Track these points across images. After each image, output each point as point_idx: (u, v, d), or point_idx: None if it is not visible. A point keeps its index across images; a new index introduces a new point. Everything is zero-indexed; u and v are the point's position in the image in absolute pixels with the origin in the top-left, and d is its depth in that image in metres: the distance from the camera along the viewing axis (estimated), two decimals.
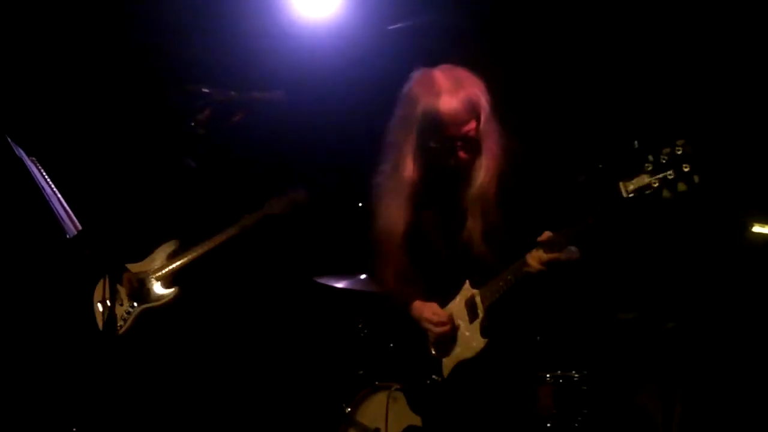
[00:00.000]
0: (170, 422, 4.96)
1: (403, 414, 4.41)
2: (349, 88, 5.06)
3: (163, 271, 4.77)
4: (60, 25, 5.11)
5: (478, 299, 3.34)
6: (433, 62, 3.37)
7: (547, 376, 4.05)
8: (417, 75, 3.34)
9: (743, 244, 4.28)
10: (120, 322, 4.73)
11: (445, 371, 3.41)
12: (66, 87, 5.22)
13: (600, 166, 3.72)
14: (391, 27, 4.92)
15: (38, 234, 4.47)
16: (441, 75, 3.28)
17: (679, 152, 2.81)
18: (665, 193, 2.86)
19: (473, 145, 3.26)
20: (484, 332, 3.32)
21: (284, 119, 4.78)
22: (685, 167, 2.80)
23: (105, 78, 5.22)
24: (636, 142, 3.02)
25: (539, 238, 3.11)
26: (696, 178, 2.80)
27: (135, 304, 4.76)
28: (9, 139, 3.57)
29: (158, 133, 4.83)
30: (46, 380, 5.16)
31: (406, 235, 3.41)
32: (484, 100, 3.26)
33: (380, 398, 4.56)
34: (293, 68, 4.95)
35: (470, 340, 3.36)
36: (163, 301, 4.75)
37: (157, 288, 4.76)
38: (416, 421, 4.30)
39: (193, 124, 3.98)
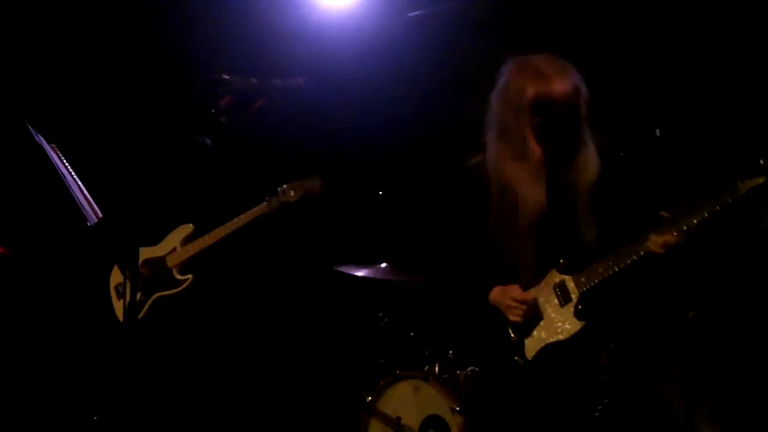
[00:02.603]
0: (188, 411, 4.99)
1: (424, 404, 4.41)
2: (370, 75, 5.05)
3: (179, 258, 4.77)
4: (80, 12, 5.14)
5: (571, 284, 3.47)
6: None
7: None
8: (516, 65, 3.48)
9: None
10: (138, 308, 4.73)
11: (529, 353, 3.51)
12: (86, 75, 5.25)
13: (621, 154, 3.72)
14: (411, 14, 4.90)
15: (59, 221, 4.49)
16: (545, 62, 3.42)
17: None
18: None
19: (572, 129, 3.42)
20: (579, 315, 3.44)
21: (305, 107, 4.77)
22: None
23: (125, 66, 5.24)
24: (657, 131, 3.05)
25: (664, 215, 3.30)
26: None
27: (149, 291, 4.76)
28: (30, 127, 3.60)
29: (178, 120, 4.84)
30: (63, 368, 5.19)
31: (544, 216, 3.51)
32: (584, 88, 3.42)
33: (402, 388, 4.56)
34: (314, 55, 4.94)
35: (562, 323, 3.47)
36: (178, 288, 4.75)
37: (173, 275, 4.76)
38: (437, 410, 4.32)
39: (213, 111, 3.97)
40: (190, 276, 4.74)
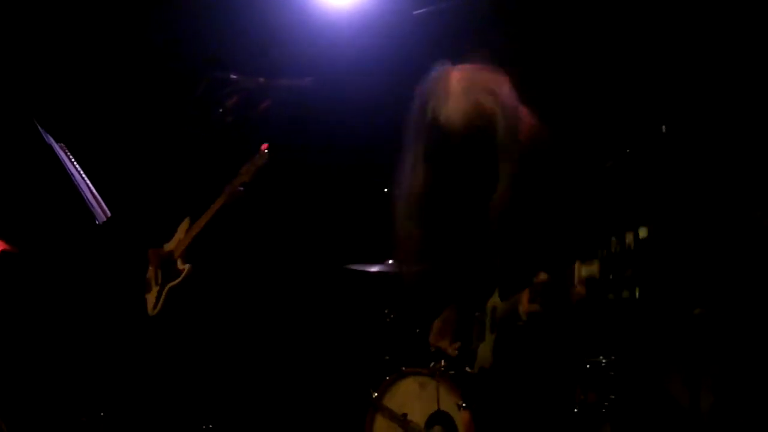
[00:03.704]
0: (193, 405, 5.01)
1: (430, 400, 4.42)
2: (377, 74, 5.05)
3: (179, 249, 4.88)
4: (87, 12, 5.14)
5: (498, 312, 3.16)
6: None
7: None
8: (434, 73, 3.14)
9: None
10: (154, 302, 4.83)
11: (476, 367, 3.29)
12: (94, 74, 5.26)
13: (628, 151, 3.68)
14: (416, 12, 4.89)
15: (67, 219, 4.51)
16: (455, 77, 3.07)
17: (631, 246, 2.42)
18: (609, 295, 2.50)
19: (485, 154, 3.03)
20: (495, 349, 3.15)
21: (311, 106, 4.79)
22: (628, 272, 2.40)
23: (133, 65, 5.25)
24: (664, 127, 2.95)
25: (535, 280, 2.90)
26: (637, 292, 2.39)
27: (164, 284, 4.87)
28: (38, 126, 3.61)
29: (185, 119, 4.86)
30: (69, 365, 5.21)
31: (422, 247, 3.26)
32: (498, 108, 3.01)
33: (407, 384, 4.57)
34: (321, 55, 4.95)
35: (486, 350, 3.21)
36: (180, 278, 4.84)
37: (177, 266, 4.87)
38: (443, 407, 4.33)
39: (220, 110, 4.00)
40: (188, 265, 4.83)
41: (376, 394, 4.64)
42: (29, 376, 5.10)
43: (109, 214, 3.72)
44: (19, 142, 3.80)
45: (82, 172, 3.70)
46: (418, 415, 4.47)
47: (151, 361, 4.91)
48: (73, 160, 3.69)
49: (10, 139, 4.44)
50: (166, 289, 4.84)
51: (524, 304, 2.91)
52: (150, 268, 4.95)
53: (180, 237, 4.94)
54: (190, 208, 4.94)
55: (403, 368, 4.61)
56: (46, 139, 3.61)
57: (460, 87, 3.03)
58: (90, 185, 3.71)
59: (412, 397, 4.51)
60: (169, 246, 4.95)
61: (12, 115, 4.34)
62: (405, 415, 4.52)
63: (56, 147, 3.64)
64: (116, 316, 5.02)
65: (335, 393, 5.24)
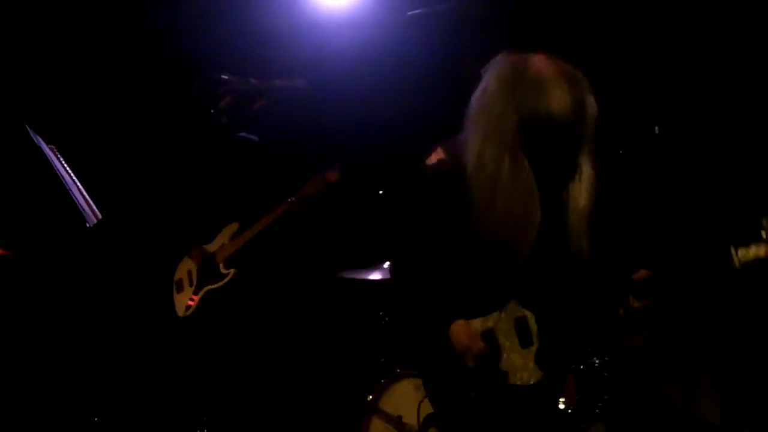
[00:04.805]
0: (189, 408, 5.01)
1: (425, 402, 4.40)
2: (371, 75, 5.04)
3: (225, 253, 4.91)
4: (79, 13, 5.14)
5: (532, 322, 3.00)
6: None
7: None
8: (507, 65, 2.95)
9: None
10: (188, 304, 4.84)
11: (515, 380, 3.06)
12: (85, 75, 5.25)
13: (621, 152, 3.66)
14: (410, 13, 4.88)
15: (58, 222, 4.49)
16: (544, 66, 2.90)
17: None
18: None
19: (568, 154, 2.93)
20: (540, 363, 2.98)
21: (305, 107, 4.77)
22: None
23: (125, 66, 5.25)
24: (656, 128, 2.94)
25: (635, 277, 2.89)
26: None
27: (201, 286, 4.93)
28: (28, 128, 3.60)
29: (180, 121, 4.86)
30: (63, 369, 5.20)
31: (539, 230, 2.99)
32: (592, 102, 2.91)
33: (403, 386, 4.57)
34: (314, 56, 4.94)
35: (522, 367, 3.01)
36: (222, 282, 4.88)
37: (219, 269, 4.91)
38: None
39: (213, 112, 3.98)
40: (232, 270, 4.88)
41: (371, 397, 4.63)
42: (23, 380, 5.09)
43: (100, 216, 3.69)
44: (8, 144, 3.78)
45: (72, 174, 3.68)
46: (413, 417, 4.45)
47: (148, 363, 4.92)
48: (63, 162, 3.67)
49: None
50: (204, 291, 4.85)
51: (633, 302, 2.91)
52: (181, 269, 4.98)
53: (224, 241, 4.95)
54: (228, 206, 4.97)
55: (399, 370, 4.61)
56: (36, 141, 3.59)
57: (555, 76, 2.87)
58: (81, 187, 3.69)
59: (408, 399, 4.50)
60: (209, 248, 4.98)
61: (1, 116, 4.32)
62: (400, 417, 4.52)
63: (46, 149, 3.62)
64: (112, 319, 5.02)
65: (331, 396, 5.23)
